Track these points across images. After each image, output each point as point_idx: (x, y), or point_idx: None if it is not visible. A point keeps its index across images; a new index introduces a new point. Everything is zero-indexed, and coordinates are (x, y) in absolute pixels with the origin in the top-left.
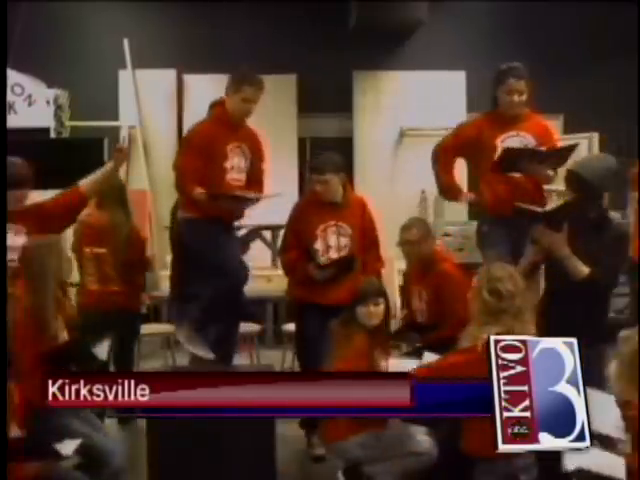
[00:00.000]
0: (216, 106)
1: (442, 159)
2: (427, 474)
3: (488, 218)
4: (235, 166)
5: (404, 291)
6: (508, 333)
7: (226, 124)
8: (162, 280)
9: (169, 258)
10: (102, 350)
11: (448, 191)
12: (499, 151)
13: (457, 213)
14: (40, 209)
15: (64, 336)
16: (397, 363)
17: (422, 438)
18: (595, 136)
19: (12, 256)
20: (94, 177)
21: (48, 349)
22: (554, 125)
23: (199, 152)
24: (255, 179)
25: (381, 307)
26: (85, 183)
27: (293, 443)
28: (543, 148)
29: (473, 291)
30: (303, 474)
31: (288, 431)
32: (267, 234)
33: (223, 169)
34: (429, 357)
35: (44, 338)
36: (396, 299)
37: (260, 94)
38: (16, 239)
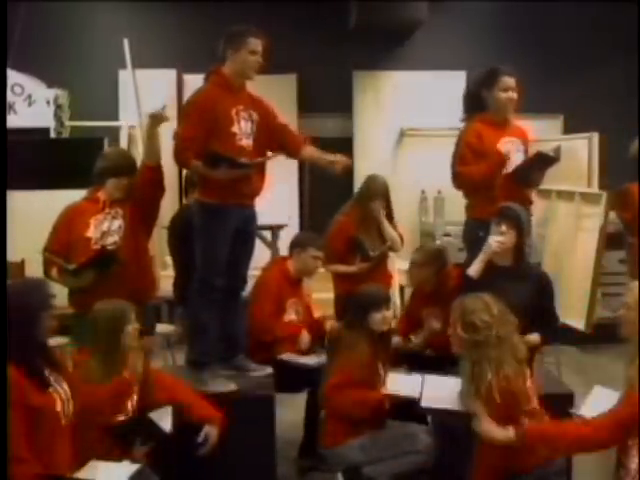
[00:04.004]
0: (211, 74)
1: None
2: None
3: (479, 223)
4: (243, 131)
5: (414, 314)
6: (496, 364)
7: (227, 88)
8: (162, 280)
9: (169, 258)
10: (166, 423)
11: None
12: (531, 154)
13: (457, 213)
14: (134, 190)
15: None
16: (394, 377)
17: (422, 436)
18: (595, 136)
19: (112, 240)
20: (145, 148)
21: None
22: (554, 125)
23: (201, 119)
24: (290, 137)
25: (391, 312)
26: (144, 156)
27: (293, 443)
28: (552, 154)
29: (451, 327)
30: (302, 474)
31: (288, 431)
32: (267, 234)
33: (232, 134)
34: (433, 381)
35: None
36: (396, 299)
37: (262, 46)
38: (115, 222)
